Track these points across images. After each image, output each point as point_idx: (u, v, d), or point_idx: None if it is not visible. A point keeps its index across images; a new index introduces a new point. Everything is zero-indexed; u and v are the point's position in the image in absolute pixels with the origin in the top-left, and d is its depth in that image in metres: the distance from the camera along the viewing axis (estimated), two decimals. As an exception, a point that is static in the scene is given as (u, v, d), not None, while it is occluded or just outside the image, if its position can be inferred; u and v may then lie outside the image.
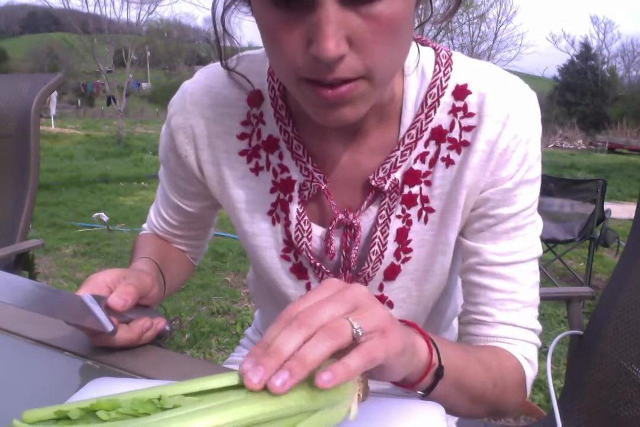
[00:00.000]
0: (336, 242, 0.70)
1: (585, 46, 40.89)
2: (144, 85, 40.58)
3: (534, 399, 2.08)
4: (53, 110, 14.60)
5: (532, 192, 0.67)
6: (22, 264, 1.58)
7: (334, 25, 0.47)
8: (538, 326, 0.71)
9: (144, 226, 0.92)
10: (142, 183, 7.10)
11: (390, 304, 0.73)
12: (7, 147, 1.60)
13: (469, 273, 0.70)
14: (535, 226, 0.70)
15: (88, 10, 13.14)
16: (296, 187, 0.69)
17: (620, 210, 5.30)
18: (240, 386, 0.42)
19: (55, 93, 11.75)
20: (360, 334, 0.43)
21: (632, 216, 1.03)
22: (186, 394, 0.43)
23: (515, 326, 0.69)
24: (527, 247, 0.69)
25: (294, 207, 0.70)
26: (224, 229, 4.56)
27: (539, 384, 2.17)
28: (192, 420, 0.39)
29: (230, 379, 0.44)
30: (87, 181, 7.14)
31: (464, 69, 0.65)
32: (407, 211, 0.68)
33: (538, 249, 0.70)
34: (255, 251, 0.74)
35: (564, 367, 2.13)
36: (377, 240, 0.68)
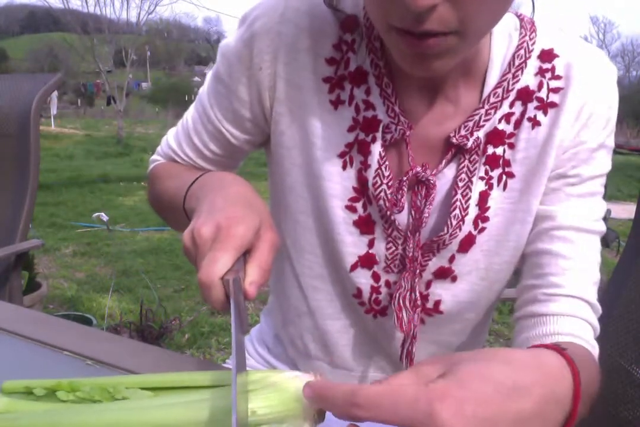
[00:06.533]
0: (405, 199, 0.64)
1: (585, 46, 40.87)
2: (143, 85, 40.58)
3: (534, 399, 2.08)
4: (54, 110, 14.57)
5: (607, 161, 0.66)
6: (22, 264, 1.58)
7: None
8: (600, 310, 0.64)
9: (155, 156, 0.79)
10: (142, 183, 7.09)
11: (454, 279, 0.67)
12: (7, 147, 1.60)
13: (538, 241, 0.65)
14: (602, 201, 0.67)
15: (88, 10, 13.15)
16: (380, 128, 0.63)
17: (620, 211, 5.29)
18: (211, 386, 0.44)
19: (55, 93, 11.76)
20: None
21: (632, 216, 1.03)
22: (144, 388, 0.45)
23: (587, 302, 0.62)
24: (596, 218, 0.66)
25: (377, 149, 0.63)
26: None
27: (539, 384, 2.16)
28: (110, 416, 0.42)
29: (202, 378, 0.45)
30: (87, 181, 7.13)
31: (549, 34, 0.65)
32: (490, 173, 0.64)
33: (603, 226, 0.66)
34: (316, 199, 0.66)
35: (564, 367, 2.12)
36: (457, 203, 0.63)
